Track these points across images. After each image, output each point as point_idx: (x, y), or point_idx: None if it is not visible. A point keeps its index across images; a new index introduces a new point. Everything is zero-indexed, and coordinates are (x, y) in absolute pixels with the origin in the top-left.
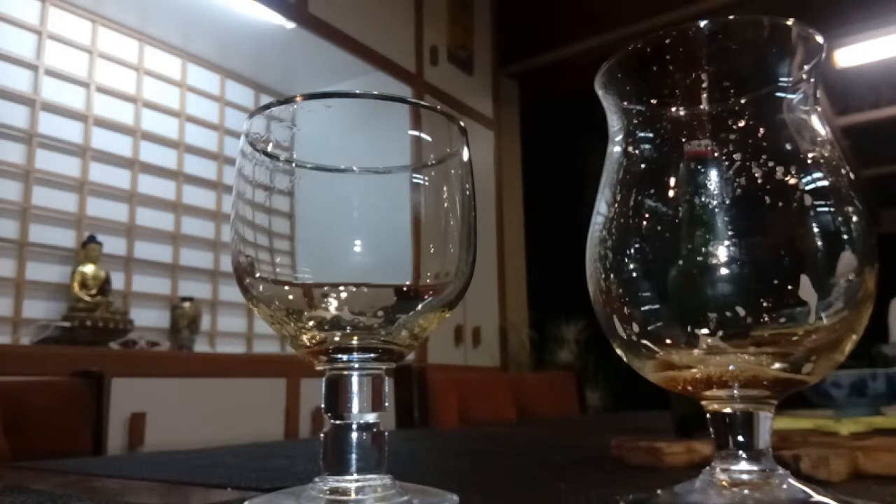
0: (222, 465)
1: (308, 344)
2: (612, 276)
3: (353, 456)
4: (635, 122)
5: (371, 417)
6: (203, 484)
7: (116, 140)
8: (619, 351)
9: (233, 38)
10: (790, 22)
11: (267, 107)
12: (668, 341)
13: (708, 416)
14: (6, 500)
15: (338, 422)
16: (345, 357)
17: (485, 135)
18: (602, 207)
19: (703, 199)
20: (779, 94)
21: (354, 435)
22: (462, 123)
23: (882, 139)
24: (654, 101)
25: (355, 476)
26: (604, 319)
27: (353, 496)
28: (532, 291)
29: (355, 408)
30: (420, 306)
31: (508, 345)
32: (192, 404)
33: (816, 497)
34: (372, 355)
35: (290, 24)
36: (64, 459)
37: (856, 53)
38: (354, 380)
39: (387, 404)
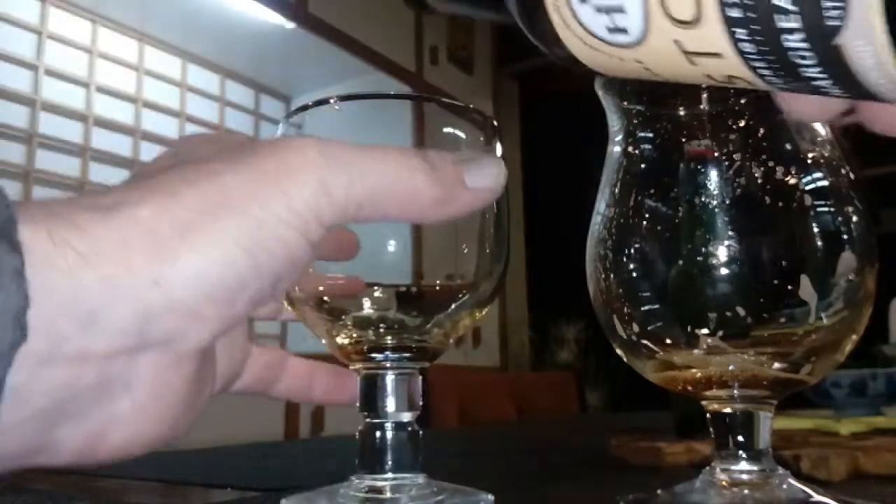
0: (222, 465)
1: (344, 343)
2: (612, 276)
3: (389, 454)
4: (635, 122)
5: (406, 416)
6: (203, 484)
7: (116, 140)
8: (619, 351)
9: (233, 38)
10: None
11: (302, 108)
12: (668, 341)
13: (708, 416)
14: (6, 500)
15: (374, 420)
16: (379, 356)
17: None
18: (602, 207)
19: (703, 199)
20: None
21: (390, 433)
22: (495, 122)
23: (882, 139)
24: (654, 101)
25: (391, 475)
26: (604, 319)
27: (388, 494)
28: (532, 291)
29: (391, 406)
30: (454, 306)
31: (508, 345)
32: None
33: (816, 497)
34: (406, 355)
35: (290, 24)
36: None
37: None
38: (389, 379)
39: (421, 404)
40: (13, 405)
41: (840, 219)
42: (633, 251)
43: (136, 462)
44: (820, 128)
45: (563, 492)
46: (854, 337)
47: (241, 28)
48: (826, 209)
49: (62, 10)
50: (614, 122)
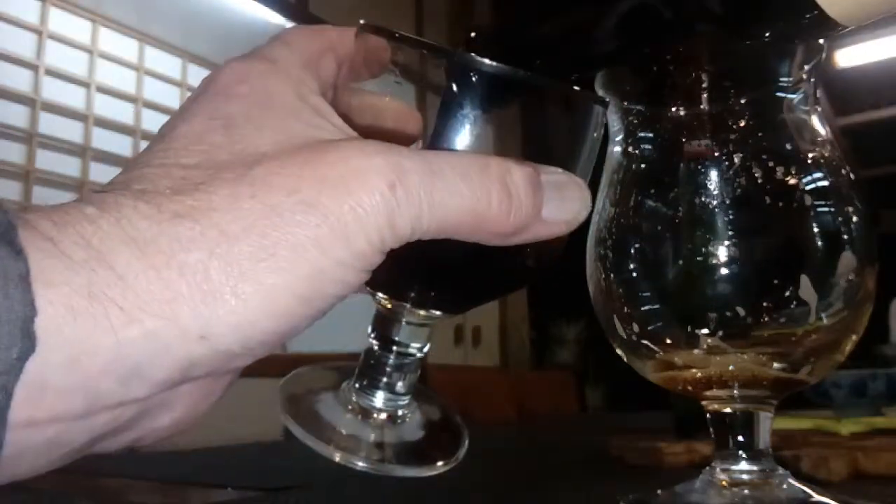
0: (222, 465)
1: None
2: (612, 276)
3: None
4: (635, 122)
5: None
6: (203, 484)
7: (117, 140)
8: (619, 351)
9: (233, 38)
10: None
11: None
12: (668, 341)
13: (708, 416)
14: (6, 499)
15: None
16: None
17: None
18: (602, 207)
19: (703, 199)
20: (779, 94)
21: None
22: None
23: (882, 139)
24: (654, 101)
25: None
26: (604, 319)
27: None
28: (532, 291)
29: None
30: None
31: (508, 344)
32: None
33: (816, 497)
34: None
35: (291, 24)
36: None
37: (856, 54)
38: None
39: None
40: (50, 448)
41: (840, 219)
42: (633, 251)
43: (136, 462)
44: (820, 128)
45: (563, 492)
46: (854, 337)
47: (242, 28)
48: (826, 209)
49: (62, 9)
50: (614, 122)
